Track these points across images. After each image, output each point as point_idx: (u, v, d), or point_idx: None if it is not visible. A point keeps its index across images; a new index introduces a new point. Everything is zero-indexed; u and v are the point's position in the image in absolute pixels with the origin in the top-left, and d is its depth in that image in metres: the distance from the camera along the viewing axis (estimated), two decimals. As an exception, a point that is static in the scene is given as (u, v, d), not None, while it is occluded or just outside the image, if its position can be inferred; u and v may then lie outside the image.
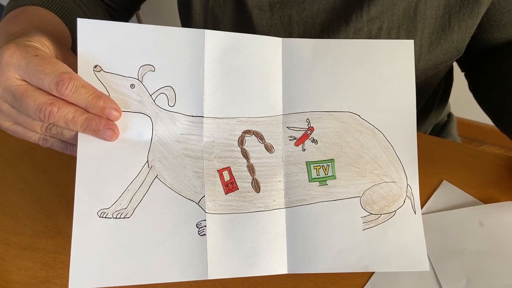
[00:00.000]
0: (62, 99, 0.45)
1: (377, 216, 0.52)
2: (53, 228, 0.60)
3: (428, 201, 0.63)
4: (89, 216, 0.47)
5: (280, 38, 0.52)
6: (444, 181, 0.65)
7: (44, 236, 0.59)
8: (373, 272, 0.56)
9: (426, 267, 0.51)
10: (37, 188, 0.64)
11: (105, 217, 0.47)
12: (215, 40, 0.50)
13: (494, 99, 0.72)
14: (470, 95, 0.82)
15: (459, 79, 0.89)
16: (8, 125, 0.49)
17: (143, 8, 0.87)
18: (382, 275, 0.56)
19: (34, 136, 0.49)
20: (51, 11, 0.61)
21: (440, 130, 0.97)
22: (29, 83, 0.45)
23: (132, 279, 0.47)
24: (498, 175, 0.66)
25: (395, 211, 0.52)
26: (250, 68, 0.51)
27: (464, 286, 0.55)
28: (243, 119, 0.51)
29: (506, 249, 0.58)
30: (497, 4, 0.66)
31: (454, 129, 0.98)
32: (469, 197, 0.64)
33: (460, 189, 0.65)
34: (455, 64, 0.85)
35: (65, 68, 0.45)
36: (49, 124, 0.47)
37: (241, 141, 0.51)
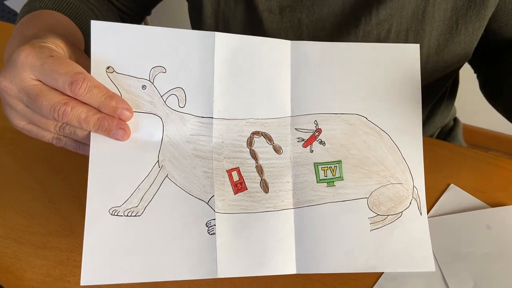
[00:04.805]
0: (76, 99, 0.46)
1: (384, 217, 0.52)
2: (66, 228, 0.61)
3: (436, 204, 0.63)
4: (101, 213, 0.48)
5: (289, 41, 0.53)
6: (452, 184, 0.66)
7: (57, 235, 0.60)
8: (381, 273, 0.56)
9: (432, 267, 0.51)
10: (50, 188, 0.65)
11: (117, 215, 0.48)
12: (225, 43, 0.51)
13: (506, 93, 0.72)
14: (476, 101, 0.82)
15: (465, 85, 0.89)
16: (22, 124, 0.50)
17: (152, 13, 0.88)
18: (389, 277, 0.56)
19: (48, 136, 0.50)
20: (64, 15, 0.62)
21: (447, 134, 0.97)
22: (43, 83, 0.46)
23: (142, 276, 0.48)
24: (505, 179, 0.66)
25: (401, 212, 0.52)
26: (259, 70, 0.52)
27: (471, 289, 0.55)
28: (251, 121, 0.52)
29: (513, 252, 0.58)
30: (503, 6, 0.66)
31: (460, 134, 0.98)
32: (476, 201, 0.64)
33: (468, 192, 0.65)
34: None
35: (79, 68, 0.46)
36: (63, 123, 0.48)
37: (249, 142, 0.52)
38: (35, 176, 0.67)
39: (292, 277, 0.56)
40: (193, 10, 0.78)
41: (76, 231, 0.61)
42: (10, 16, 1.92)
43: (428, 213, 0.61)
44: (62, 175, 0.67)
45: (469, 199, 0.64)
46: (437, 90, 0.81)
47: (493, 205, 0.64)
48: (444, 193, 0.65)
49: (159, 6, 0.85)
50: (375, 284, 0.56)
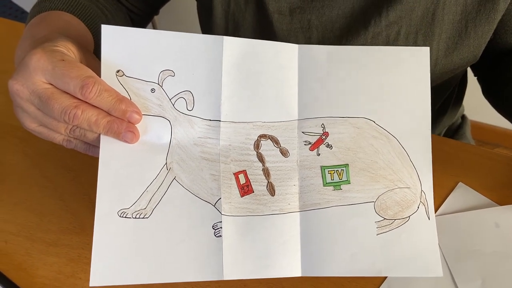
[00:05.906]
0: (86, 102, 0.47)
1: (390, 221, 0.52)
2: (77, 225, 0.62)
3: (444, 202, 0.64)
4: (109, 215, 0.48)
5: (296, 45, 0.53)
6: (460, 183, 0.66)
7: (68, 233, 0.61)
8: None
9: (439, 272, 0.51)
10: (61, 186, 0.66)
11: (125, 217, 0.49)
12: (233, 46, 0.51)
13: (507, 99, 0.71)
14: (483, 97, 0.82)
15: (472, 82, 0.88)
16: (34, 126, 0.51)
17: (160, 12, 0.88)
18: (398, 275, 0.56)
19: (58, 138, 0.51)
20: (74, 15, 0.62)
21: (454, 132, 0.96)
22: (55, 87, 0.47)
23: (150, 277, 0.49)
24: (514, 178, 0.66)
25: (409, 216, 0.52)
26: (267, 74, 0.52)
27: (479, 287, 0.56)
28: (259, 124, 0.52)
29: (521, 250, 0.58)
30: (511, 10, 0.66)
31: (468, 132, 0.97)
32: (484, 199, 0.64)
33: (476, 191, 0.65)
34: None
35: (90, 72, 0.47)
36: (73, 126, 0.49)
37: (257, 145, 0.52)
38: (45, 174, 0.68)
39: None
40: (202, 9, 0.77)
41: (87, 229, 0.62)
42: (17, 14, 1.92)
43: (436, 211, 0.61)
44: (72, 173, 0.68)
45: (477, 197, 0.64)
46: (444, 91, 0.81)
47: (501, 203, 0.64)
48: (453, 191, 0.65)
49: (167, 5, 0.85)
50: (384, 282, 0.56)
